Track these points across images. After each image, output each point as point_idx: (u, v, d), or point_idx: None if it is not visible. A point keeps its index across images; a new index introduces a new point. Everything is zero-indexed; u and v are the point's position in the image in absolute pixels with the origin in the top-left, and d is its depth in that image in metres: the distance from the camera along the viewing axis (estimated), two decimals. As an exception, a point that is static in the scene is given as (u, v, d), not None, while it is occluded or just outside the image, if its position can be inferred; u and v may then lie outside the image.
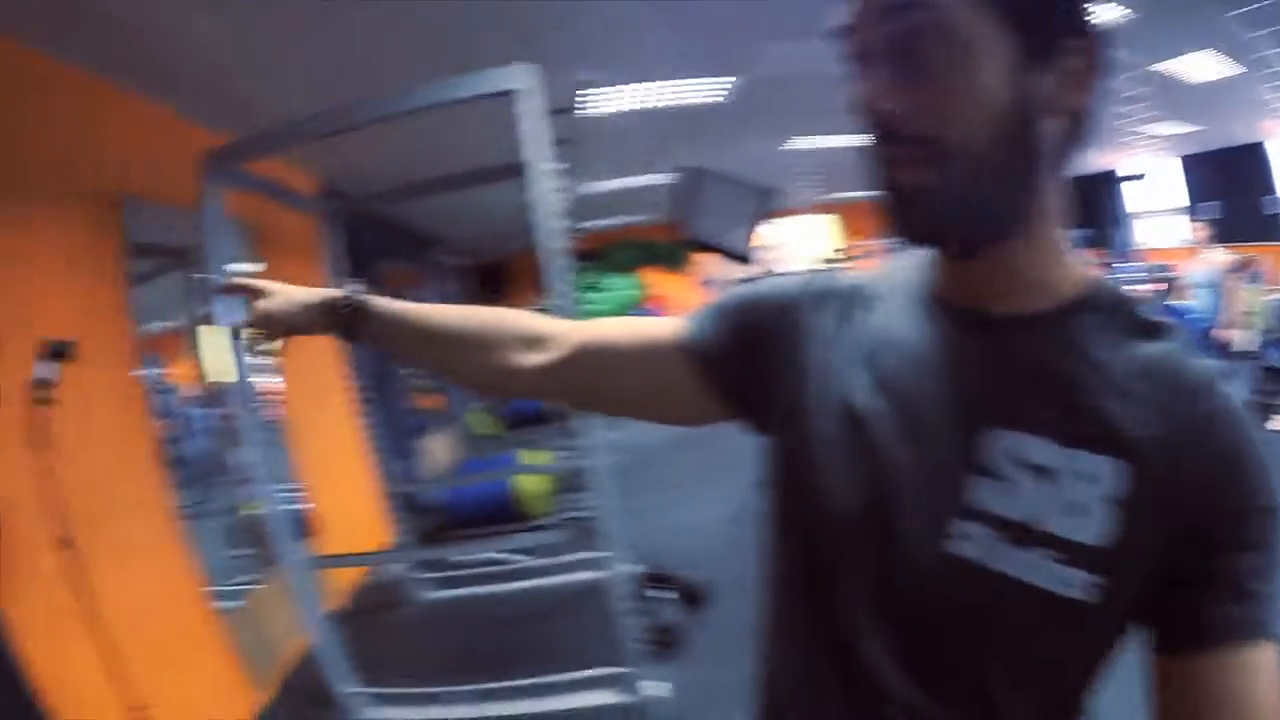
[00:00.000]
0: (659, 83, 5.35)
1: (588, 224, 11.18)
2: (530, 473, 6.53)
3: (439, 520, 6.82)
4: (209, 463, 6.17)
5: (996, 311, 0.75)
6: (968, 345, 0.76)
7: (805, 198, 12.25)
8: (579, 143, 5.57)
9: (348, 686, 3.66)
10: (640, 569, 3.85)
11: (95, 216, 3.52)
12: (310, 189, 6.11)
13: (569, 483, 6.32)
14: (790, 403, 0.85)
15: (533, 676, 3.44)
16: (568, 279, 3.12)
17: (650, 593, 3.91)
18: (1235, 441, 0.68)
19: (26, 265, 3.11)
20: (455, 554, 5.32)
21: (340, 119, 3.28)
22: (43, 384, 2.53)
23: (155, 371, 6.51)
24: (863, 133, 0.71)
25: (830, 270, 0.94)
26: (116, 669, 2.73)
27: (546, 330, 1.01)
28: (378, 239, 7.63)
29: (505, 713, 3.38)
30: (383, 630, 4.84)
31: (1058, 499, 0.68)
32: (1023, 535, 0.69)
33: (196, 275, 4.09)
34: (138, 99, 3.88)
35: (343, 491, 5.67)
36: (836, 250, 12.03)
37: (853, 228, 13.89)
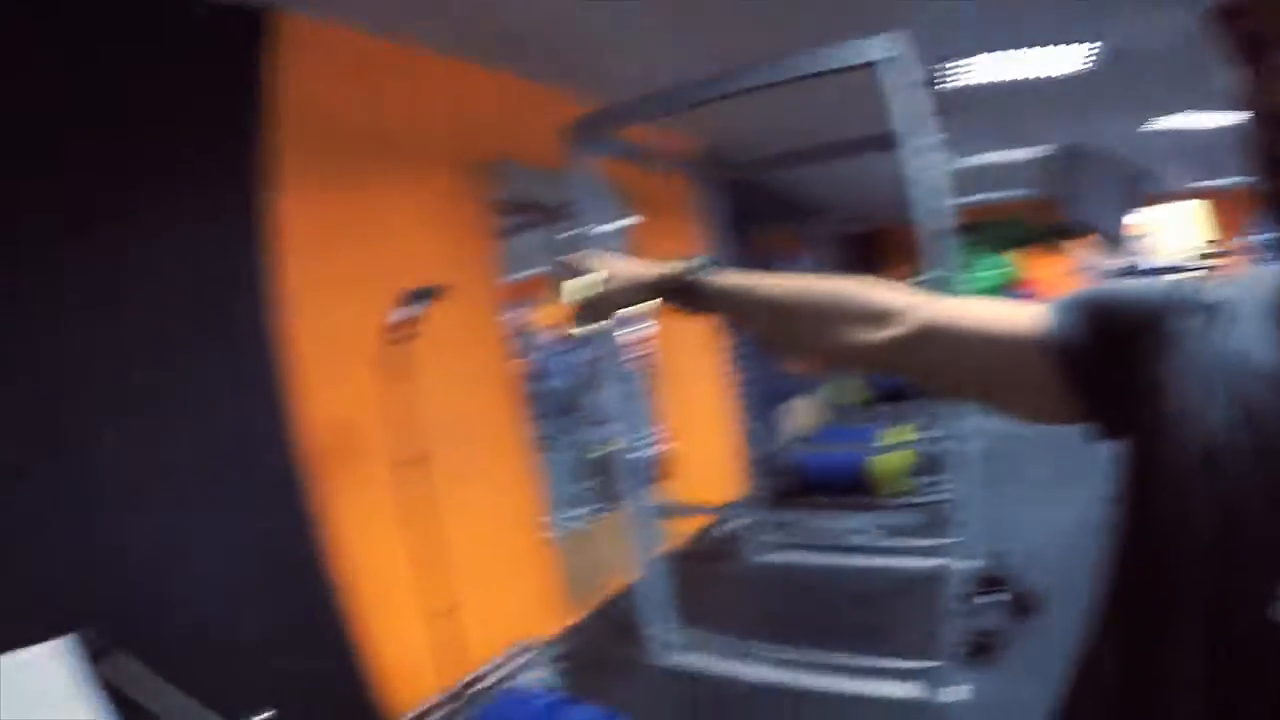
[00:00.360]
0: (1022, 50, 4.94)
1: (961, 199, 10.69)
2: (889, 451, 6.39)
3: (791, 483, 6.90)
4: (570, 400, 6.70)
5: None
6: None
7: (1176, 183, 10.76)
8: (949, 114, 5.34)
9: (657, 626, 3.87)
10: (978, 565, 3.68)
11: (467, 180, 4.06)
12: (687, 153, 6.38)
13: (927, 464, 6.03)
14: (1145, 419, 0.74)
15: (843, 654, 3.39)
16: (947, 255, 3.01)
17: (982, 594, 3.72)
18: None
19: (407, 222, 3.70)
20: (799, 520, 5.31)
21: (703, 91, 3.41)
22: (406, 323, 2.90)
23: (522, 314, 7.17)
24: (1260, 128, 0.61)
25: (1194, 278, 0.80)
26: (434, 574, 3.10)
27: (893, 304, 0.93)
28: (755, 203, 7.76)
29: (804, 684, 3.38)
30: (710, 580, 4.99)
31: None
32: None
33: (566, 233, 4.39)
34: (507, 76, 4.35)
35: (700, 441, 5.92)
36: (1208, 242, 10.40)
37: (1223, 219, 11.87)
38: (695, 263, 1.05)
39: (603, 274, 1.12)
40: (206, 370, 2.85)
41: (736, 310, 1.05)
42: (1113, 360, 0.78)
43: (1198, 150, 8.23)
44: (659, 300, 1.08)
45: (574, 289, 1.13)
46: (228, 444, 2.89)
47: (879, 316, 0.92)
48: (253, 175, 3.04)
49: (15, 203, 2.39)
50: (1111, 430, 0.79)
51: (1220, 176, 10.53)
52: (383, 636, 3.23)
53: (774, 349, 1.22)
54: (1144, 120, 7.08)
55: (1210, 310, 0.72)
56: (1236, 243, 10.37)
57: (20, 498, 2.33)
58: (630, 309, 1.12)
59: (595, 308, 1.12)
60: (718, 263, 1.05)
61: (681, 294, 1.04)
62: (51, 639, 2.12)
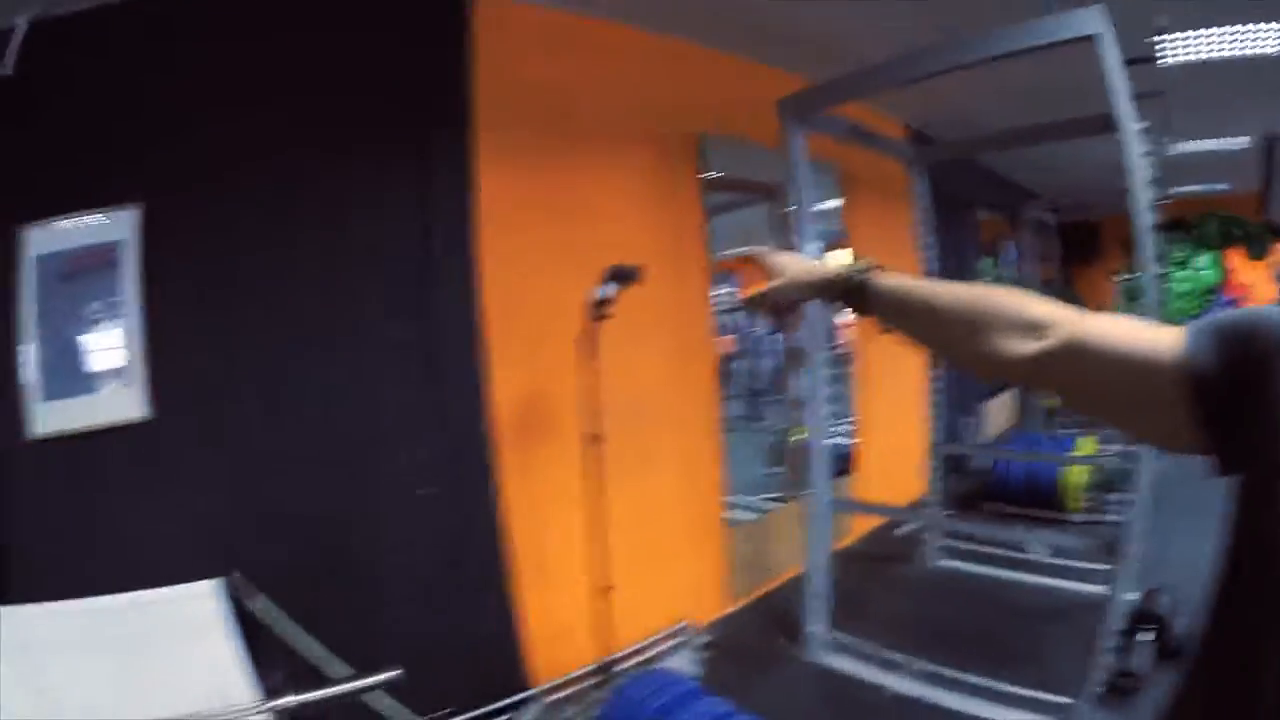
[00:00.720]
0: (1248, 26, 4.42)
1: (1174, 190, 9.87)
2: (1080, 463, 6.03)
3: (978, 488, 6.65)
4: (773, 382, 6.62)
5: None
6: None
7: None
8: (1165, 95, 4.86)
9: (815, 624, 3.79)
10: (1137, 598, 3.44)
11: (676, 155, 4.04)
12: (900, 133, 6.16)
13: (1107, 480, 5.71)
14: (1270, 454, 0.70)
15: (987, 676, 3.29)
16: (1156, 250, 2.80)
17: (1136, 630, 3.48)
18: None
19: (610, 198, 3.73)
20: (979, 528, 5.11)
21: (914, 67, 3.26)
22: (602, 303, 2.91)
23: (729, 292, 7.10)
24: None
25: None
26: (600, 551, 3.13)
27: (1043, 317, 0.94)
28: (966, 187, 7.45)
29: (943, 702, 3.29)
30: (877, 582, 4.87)
31: None
32: None
33: (780, 210, 4.31)
34: (713, 52, 4.27)
35: (889, 436, 5.80)
36: None
37: None
38: (859, 265, 1.12)
39: (783, 267, 1.21)
40: (410, 340, 3.01)
41: (896, 313, 1.09)
42: (1243, 391, 0.74)
43: None
44: (819, 299, 1.18)
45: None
46: (423, 411, 3.04)
47: (1028, 328, 0.94)
48: (459, 152, 3.14)
49: (241, 180, 2.63)
50: (1234, 464, 0.75)
51: None
52: (542, 606, 3.34)
53: (931, 353, 1.27)
54: None
55: None
56: None
57: (237, 452, 2.62)
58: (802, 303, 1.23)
59: (768, 302, 1.22)
60: (880, 266, 1.12)
61: (845, 295, 1.12)
62: (205, 578, 2.30)
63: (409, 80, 3.05)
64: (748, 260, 1.30)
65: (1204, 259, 11.05)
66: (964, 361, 1.06)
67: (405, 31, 3.04)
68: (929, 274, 5.19)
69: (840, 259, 1.21)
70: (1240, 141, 7.15)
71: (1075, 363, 0.89)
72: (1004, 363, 0.96)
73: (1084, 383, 0.92)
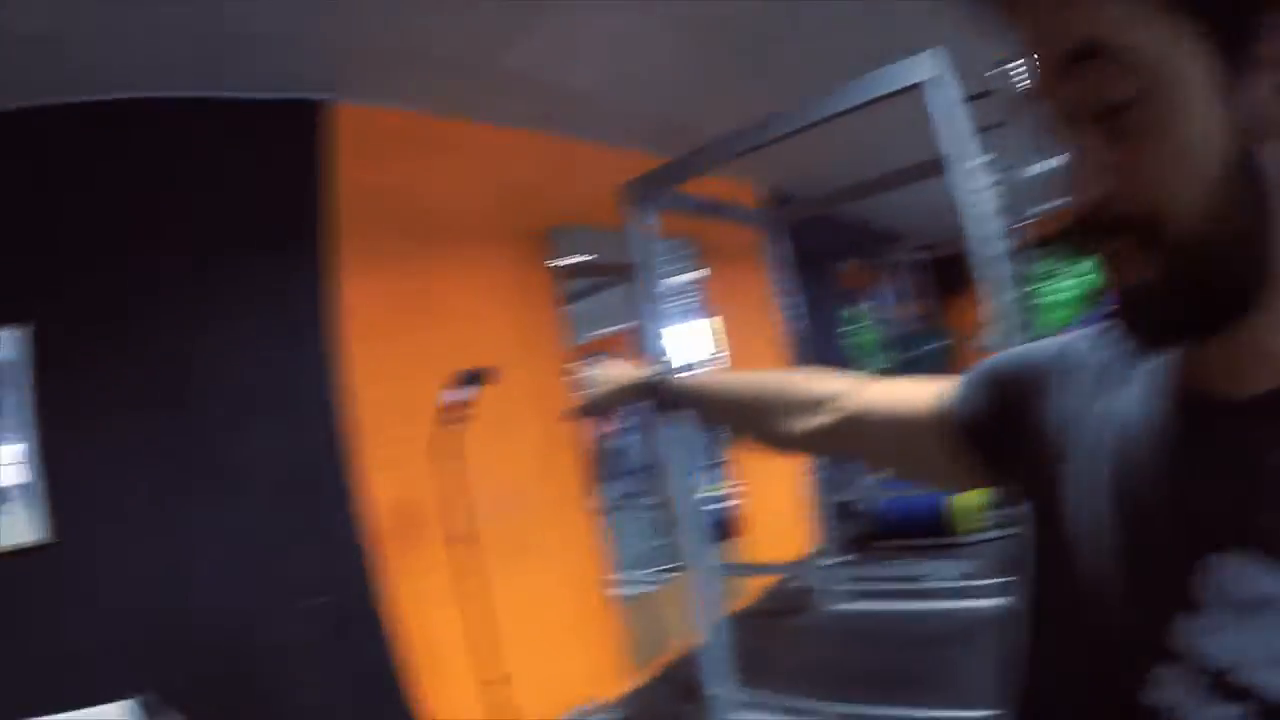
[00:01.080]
0: None
1: (1039, 208, 10.42)
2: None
3: (866, 528, 6.80)
4: (642, 459, 6.69)
5: (1238, 394, 0.59)
6: (1200, 442, 0.60)
7: None
8: (1014, 122, 5.16)
9: (720, 686, 3.82)
10: None
11: (530, 247, 4.15)
12: (750, 200, 6.38)
13: (1001, 498, 5.94)
14: (1038, 484, 0.75)
15: (905, 706, 3.33)
16: (1008, 278, 2.90)
17: None
18: None
19: (469, 297, 3.80)
20: (874, 568, 5.24)
21: (751, 138, 3.40)
22: (457, 405, 2.97)
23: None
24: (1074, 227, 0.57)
25: (1089, 333, 0.79)
26: (488, 644, 3.17)
27: (827, 393, 1.04)
28: (829, 239, 7.70)
29: None
30: (780, 635, 4.94)
31: (1276, 640, 0.51)
32: (1226, 686, 0.53)
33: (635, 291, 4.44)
34: (562, 141, 4.42)
35: (772, 494, 5.89)
36: None
37: None
38: (656, 370, 1.28)
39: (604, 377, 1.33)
40: (277, 451, 3.02)
41: (697, 408, 1.21)
42: (1007, 429, 0.80)
43: None
44: (635, 402, 1.29)
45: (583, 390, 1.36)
46: (298, 522, 3.03)
47: (814, 405, 1.04)
48: (316, 262, 3.19)
49: (117, 300, 2.72)
50: (1015, 492, 0.80)
51: None
52: (445, 707, 3.30)
53: (737, 439, 1.35)
54: None
55: (1100, 368, 0.73)
56: None
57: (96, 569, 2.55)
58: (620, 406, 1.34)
59: (593, 407, 1.35)
60: (674, 369, 1.29)
61: (649, 397, 1.25)
62: (117, 699, 2.32)
63: (271, 193, 3.12)
64: (577, 369, 1.44)
65: (1077, 267, 11.60)
66: (764, 441, 1.15)
67: (266, 144, 3.13)
68: (793, 331, 5.36)
69: (640, 367, 1.34)
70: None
71: (858, 430, 0.99)
72: (796, 439, 1.06)
73: (870, 446, 1.04)
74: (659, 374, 1.26)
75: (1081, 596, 0.64)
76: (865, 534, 6.56)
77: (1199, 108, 0.50)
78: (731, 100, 4.26)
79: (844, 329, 8.43)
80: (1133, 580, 0.60)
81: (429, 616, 3.31)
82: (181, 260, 2.88)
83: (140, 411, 2.74)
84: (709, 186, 4.51)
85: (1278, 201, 0.53)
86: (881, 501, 6.67)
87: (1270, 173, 0.52)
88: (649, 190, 3.80)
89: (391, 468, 3.26)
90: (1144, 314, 0.56)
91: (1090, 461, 0.68)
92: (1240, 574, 0.53)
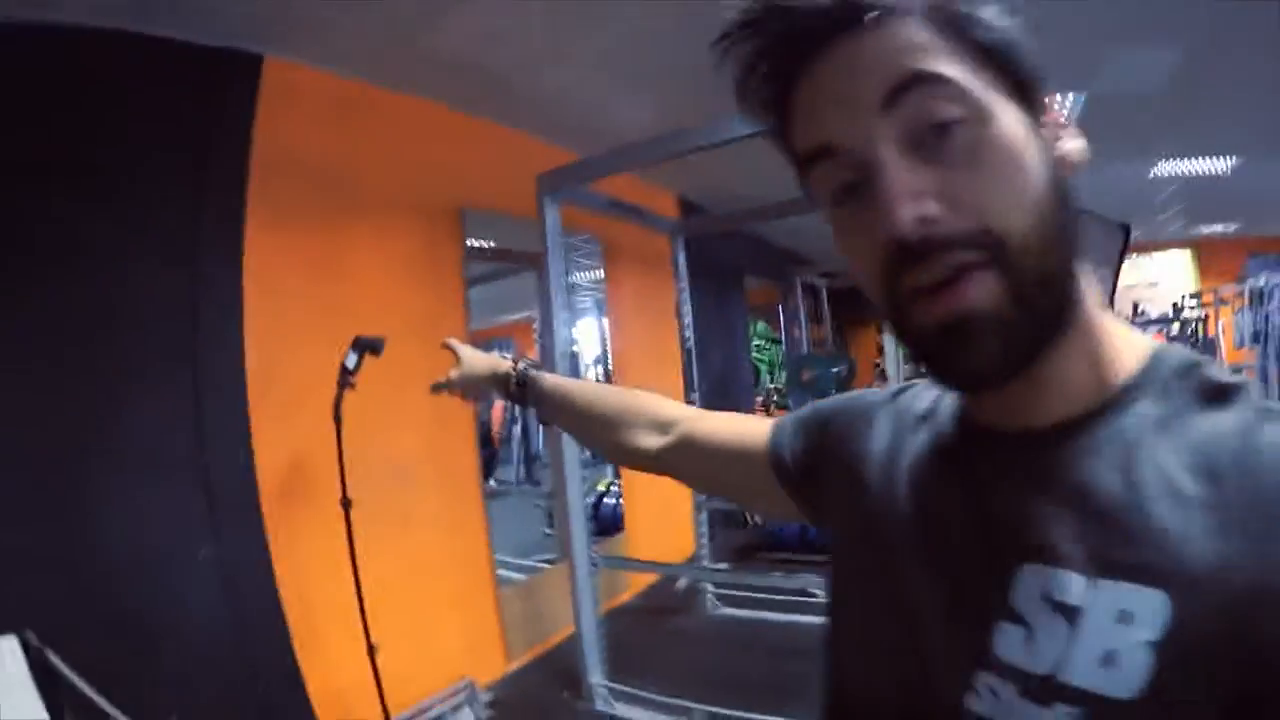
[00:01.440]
0: None
1: None
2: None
3: (751, 539, 6.96)
4: (531, 449, 6.75)
5: (1031, 424, 0.63)
6: (1002, 469, 0.64)
7: (1164, 231, 10.88)
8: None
9: (594, 676, 3.91)
10: None
11: (440, 226, 4.19)
12: (670, 202, 6.52)
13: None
14: (842, 522, 0.82)
15: (771, 710, 3.36)
16: None
17: None
18: None
19: (375, 265, 3.82)
20: (753, 577, 5.34)
21: (671, 145, 3.52)
22: (345, 372, 3.01)
23: (506, 356, 7.19)
24: (879, 281, 0.59)
25: (914, 383, 0.85)
26: (371, 612, 3.16)
27: (670, 416, 1.13)
28: (737, 255, 7.89)
29: None
30: (657, 634, 5.02)
31: (1087, 644, 0.54)
32: (1046, 692, 0.55)
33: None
34: (484, 123, 4.48)
35: (660, 496, 5.95)
36: (1191, 295, 10.08)
37: (1213, 268, 11.87)
38: (520, 365, 1.29)
39: (464, 358, 1.37)
40: (179, 399, 2.99)
41: (552, 408, 1.25)
42: (818, 467, 0.89)
43: (1192, 197, 8.47)
44: (492, 392, 1.33)
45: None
46: (192, 470, 3.00)
47: (654, 427, 1.13)
48: (230, 210, 3.17)
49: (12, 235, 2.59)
50: (820, 523, 0.91)
51: (1208, 223, 10.80)
52: (322, 670, 3.32)
53: (580, 441, 1.44)
54: (1144, 167, 7.16)
55: (914, 414, 0.79)
56: (1228, 290, 10.41)
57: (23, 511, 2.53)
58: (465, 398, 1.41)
59: (449, 388, 1.38)
60: (538, 366, 1.30)
61: (510, 390, 1.28)
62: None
63: (194, 136, 3.08)
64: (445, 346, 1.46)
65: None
66: (605, 451, 1.26)
67: (193, 88, 3.09)
68: (689, 339, 5.51)
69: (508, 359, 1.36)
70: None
71: (688, 457, 1.08)
72: (634, 453, 1.15)
73: (699, 473, 1.14)
74: (523, 370, 1.29)
75: (897, 615, 0.68)
76: (749, 544, 6.72)
77: (1020, 134, 0.56)
78: (653, 106, 4.39)
79: (747, 344, 8.60)
80: (949, 596, 0.64)
81: (312, 577, 3.32)
82: (90, 198, 2.80)
83: (41, 352, 2.67)
84: (622, 188, 4.61)
85: (1078, 239, 0.59)
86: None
87: (1072, 210, 0.59)
88: (562, 183, 3.88)
89: (282, 424, 3.26)
90: (980, 338, 0.56)
91: (899, 493, 0.73)
92: (1050, 583, 0.56)
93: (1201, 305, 9.75)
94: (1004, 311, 0.55)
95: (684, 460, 1.09)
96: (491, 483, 4.39)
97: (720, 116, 3.17)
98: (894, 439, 0.78)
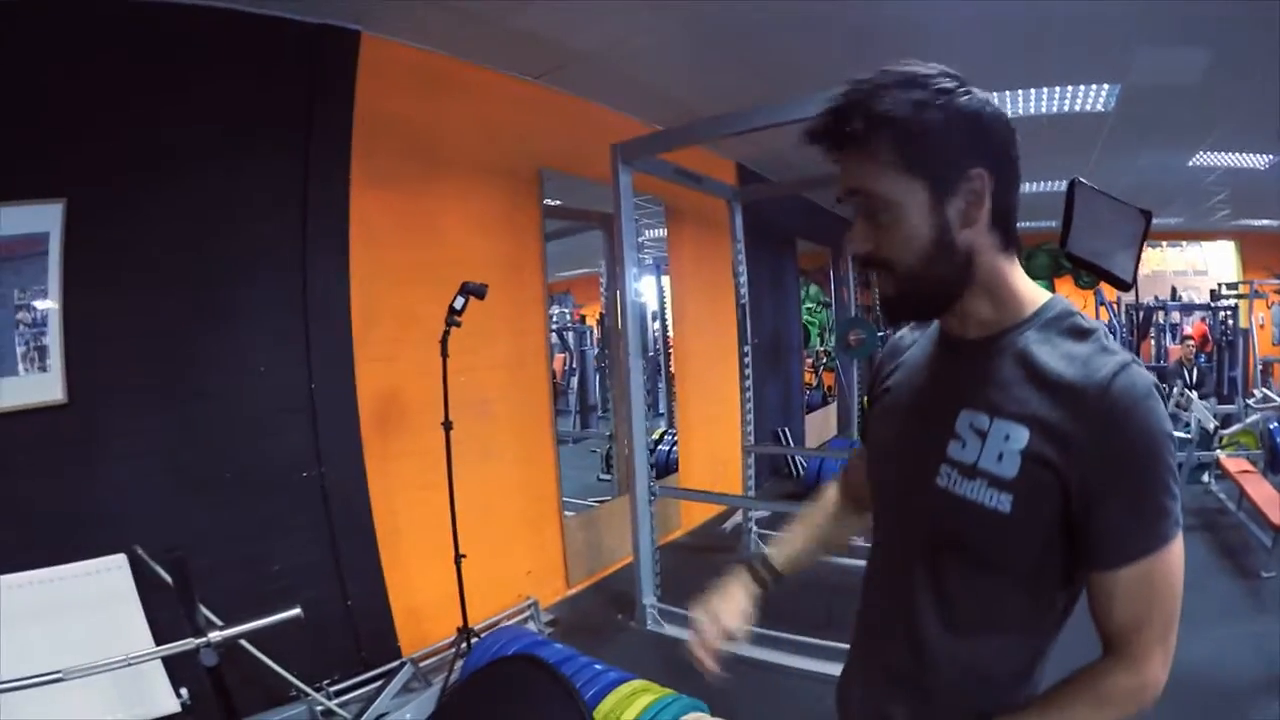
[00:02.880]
0: (1045, 89, 5.30)
1: None
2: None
3: (796, 488, 7.28)
4: (603, 398, 7.07)
5: (970, 336, 1.10)
6: (953, 360, 1.14)
7: (1207, 221, 10.95)
8: None
9: (649, 599, 4.31)
10: None
11: (521, 186, 4.57)
12: (729, 169, 6.83)
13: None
14: (879, 400, 1.30)
15: (816, 636, 3.71)
16: None
17: None
18: (1125, 411, 0.94)
19: (466, 222, 4.21)
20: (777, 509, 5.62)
21: (735, 124, 3.82)
22: (453, 312, 3.36)
23: (565, 310, 7.52)
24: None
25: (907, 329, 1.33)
26: (454, 531, 3.51)
27: (838, 498, 1.53)
28: (791, 220, 8.17)
29: (775, 660, 3.75)
30: (707, 567, 5.23)
31: (991, 450, 1.02)
32: (971, 472, 1.03)
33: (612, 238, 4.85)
34: (559, 94, 4.80)
35: (711, 442, 6.38)
36: (1228, 286, 10.39)
37: (1256, 260, 12.10)
38: (758, 566, 1.44)
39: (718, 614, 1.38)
40: (292, 333, 3.37)
41: (800, 566, 1.49)
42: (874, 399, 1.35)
43: (1239, 189, 8.56)
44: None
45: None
46: (302, 398, 3.39)
47: (845, 512, 1.51)
48: (338, 170, 3.53)
49: (153, 182, 2.97)
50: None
51: (1252, 217, 10.82)
52: (405, 583, 3.74)
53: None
54: (1187, 157, 7.28)
55: (907, 341, 1.29)
56: (1267, 284, 10.39)
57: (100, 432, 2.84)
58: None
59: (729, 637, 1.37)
60: (764, 558, 1.45)
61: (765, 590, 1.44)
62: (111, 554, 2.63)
63: (303, 104, 3.41)
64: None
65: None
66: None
67: (298, 61, 3.41)
68: (743, 296, 5.83)
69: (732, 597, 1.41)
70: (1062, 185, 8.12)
71: (855, 503, 1.48)
72: (853, 534, 1.55)
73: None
74: (760, 572, 1.43)
75: (903, 439, 1.18)
76: (794, 492, 7.02)
77: (915, 217, 0.99)
78: (720, 83, 4.68)
79: (799, 306, 8.80)
80: (923, 427, 1.13)
81: (401, 500, 3.72)
82: (213, 155, 3.15)
83: (161, 289, 3.00)
84: (685, 156, 4.90)
85: (970, 256, 1.02)
86: (809, 463, 7.15)
87: (961, 244, 1.01)
88: (635, 153, 4.24)
89: (382, 361, 3.64)
90: (889, 309, 1.08)
91: (904, 376, 1.24)
92: (974, 419, 1.05)
93: (1238, 296, 9.76)
94: (893, 299, 1.06)
95: (857, 507, 1.48)
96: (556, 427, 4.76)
97: (779, 98, 3.48)
98: (897, 357, 1.30)
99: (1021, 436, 0.99)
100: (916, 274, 1.01)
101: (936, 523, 1.09)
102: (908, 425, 1.18)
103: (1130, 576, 0.97)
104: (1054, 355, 1.02)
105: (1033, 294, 1.09)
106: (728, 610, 1.38)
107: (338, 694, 3.32)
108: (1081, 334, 1.04)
